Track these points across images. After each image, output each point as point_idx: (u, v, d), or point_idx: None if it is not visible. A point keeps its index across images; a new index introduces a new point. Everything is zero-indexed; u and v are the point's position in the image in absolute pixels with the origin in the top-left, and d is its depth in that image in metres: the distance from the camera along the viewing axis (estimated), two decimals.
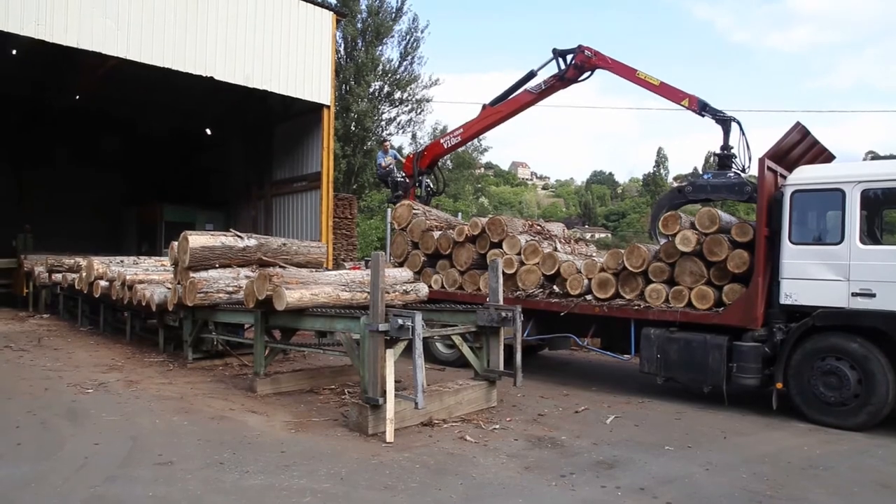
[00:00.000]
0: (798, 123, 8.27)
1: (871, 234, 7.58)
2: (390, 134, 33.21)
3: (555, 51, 11.04)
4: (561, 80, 11.02)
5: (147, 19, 14.10)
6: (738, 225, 8.30)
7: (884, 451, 6.40)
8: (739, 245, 8.15)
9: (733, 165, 9.33)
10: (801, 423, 7.29)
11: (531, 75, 11.44)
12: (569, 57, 10.87)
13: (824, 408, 7.24)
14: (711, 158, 10.22)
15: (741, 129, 9.37)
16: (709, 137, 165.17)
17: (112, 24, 13.59)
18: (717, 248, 8.24)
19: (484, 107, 12.01)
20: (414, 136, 33.86)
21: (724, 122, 9.40)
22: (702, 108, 9.50)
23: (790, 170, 8.17)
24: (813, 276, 7.47)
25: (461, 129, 12.52)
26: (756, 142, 10.16)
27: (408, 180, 13.11)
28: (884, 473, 5.76)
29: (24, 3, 12.45)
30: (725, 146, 9.43)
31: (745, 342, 7.72)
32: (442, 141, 13.28)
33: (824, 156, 9.17)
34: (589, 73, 10.85)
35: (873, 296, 7.06)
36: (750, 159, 9.38)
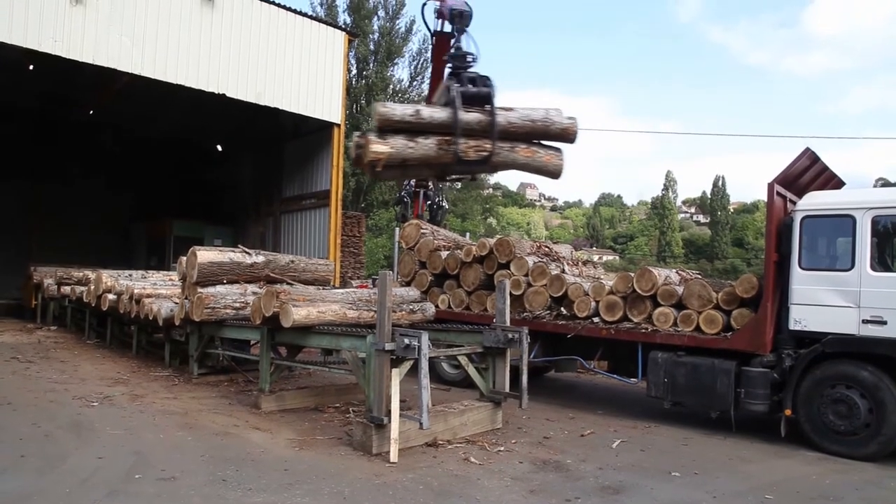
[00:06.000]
0: (807, 149, 8.26)
1: (882, 260, 7.52)
2: None
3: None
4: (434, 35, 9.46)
5: (161, 37, 14.36)
6: None
7: (895, 483, 6.29)
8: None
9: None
10: (811, 452, 7.19)
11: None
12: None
13: (834, 436, 7.14)
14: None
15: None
16: (719, 161, 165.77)
17: (127, 42, 13.84)
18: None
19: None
20: None
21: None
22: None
23: (800, 195, 8.15)
24: (823, 302, 7.41)
25: None
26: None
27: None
28: None
29: (42, 20, 12.74)
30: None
31: (753, 368, 7.64)
32: None
33: (834, 182, 9.14)
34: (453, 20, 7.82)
35: (884, 323, 6.99)
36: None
